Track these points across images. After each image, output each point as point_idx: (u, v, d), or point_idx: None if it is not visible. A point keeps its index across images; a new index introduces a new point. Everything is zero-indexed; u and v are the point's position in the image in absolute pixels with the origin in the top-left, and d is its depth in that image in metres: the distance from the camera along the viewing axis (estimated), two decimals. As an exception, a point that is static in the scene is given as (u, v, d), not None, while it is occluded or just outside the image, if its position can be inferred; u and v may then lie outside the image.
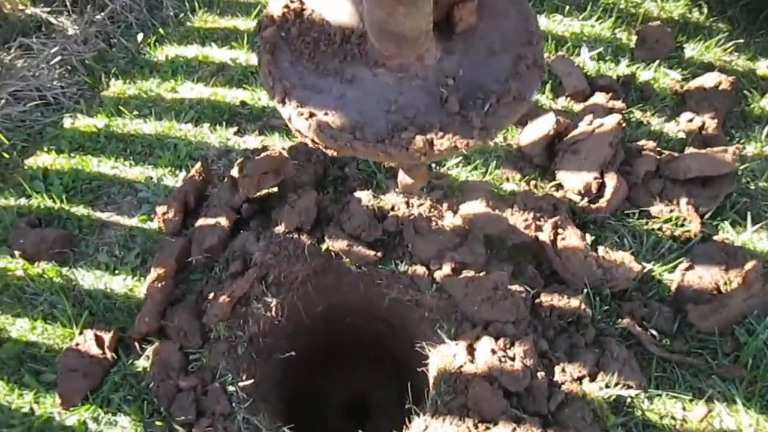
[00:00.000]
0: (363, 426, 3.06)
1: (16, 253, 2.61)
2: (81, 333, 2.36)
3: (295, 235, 2.43)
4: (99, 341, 2.33)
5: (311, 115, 1.30)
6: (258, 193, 2.58)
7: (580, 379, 2.23)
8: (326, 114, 1.30)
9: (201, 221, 2.55)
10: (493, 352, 2.17)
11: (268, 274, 2.39)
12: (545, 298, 2.38)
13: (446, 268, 2.35)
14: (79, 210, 2.78)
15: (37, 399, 2.28)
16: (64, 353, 2.30)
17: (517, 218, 2.51)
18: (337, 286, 2.58)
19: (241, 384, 2.25)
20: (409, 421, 2.29)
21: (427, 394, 2.29)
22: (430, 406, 2.22)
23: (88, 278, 2.56)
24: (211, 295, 2.35)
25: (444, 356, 2.30)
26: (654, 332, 2.35)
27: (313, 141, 1.32)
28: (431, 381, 2.37)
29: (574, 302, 2.35)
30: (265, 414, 2.27)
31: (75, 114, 3.21)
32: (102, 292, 2.50)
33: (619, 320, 2.37)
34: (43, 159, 2.99)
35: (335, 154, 1.32)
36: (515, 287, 2.31)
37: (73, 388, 2.25)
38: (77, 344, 2.32)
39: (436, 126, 1.28)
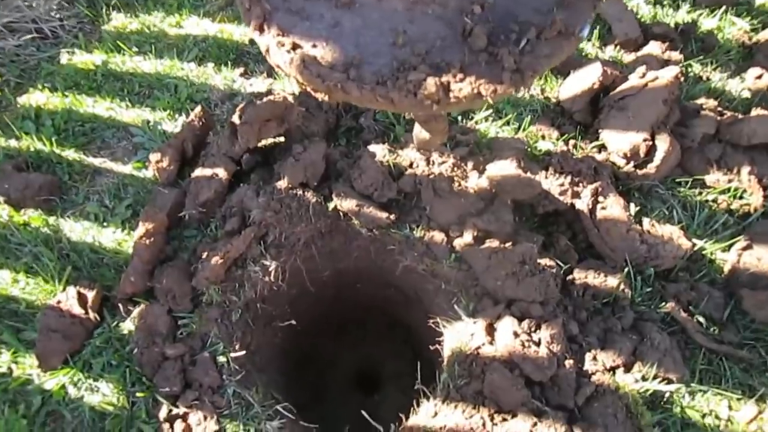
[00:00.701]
0: (372, 398, 2.86)
1: (1, 198, 2.39)
2: (64, 290, 2.15)
3: (300, 192, 2.16)
4: (82, 300, 2.12)
5: (295, 47, 1.01)
6: (261, 143, 2.31)
7: (613, 370, 1.97)
8: (314, 46, 1.01)
9: (198, 171, 2.30)
10: (516, 335, 1.90)
11: (268, 234, 2.15)
12: (579, 275, 2.10)
13: (467, 236, 2.07)
14: (70, 154, 2.55)
15: (16, 359, 2.10)
16: (45, 312, 2.11)
17: (551, 182, 2.20)
18: (344, 250, 2.33)
19: (233, 354, 2.04)
20: (418, 404, 2.05)
21: (439, 374, 2.04)
22: (441, 390, 1.98)
23: (75, 229, 2.34)
24: (205, 255, 2.11)
25: (460, 334, 2.05)
26: (701, 319, 2.06)
27: (298, 81, 1.03)
28: (444, 361, 2.13)
29: (612, 281, 2.06)
30: (259, 388, 2.06)
31: (73, 49, 2.95)
32: (89, 246, 2.29)
33: (662, 304, 2.08)
34: (37, 97, 2.76)
35: (325, 97, 1.02)
36: (545, 261, 2.03)
37: (53, 349, 2.06)
38: (59, 302, 2.12)
39: (455, 66, 0.98)
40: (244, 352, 2.05)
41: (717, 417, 1.95)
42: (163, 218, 2.20)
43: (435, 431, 1.90)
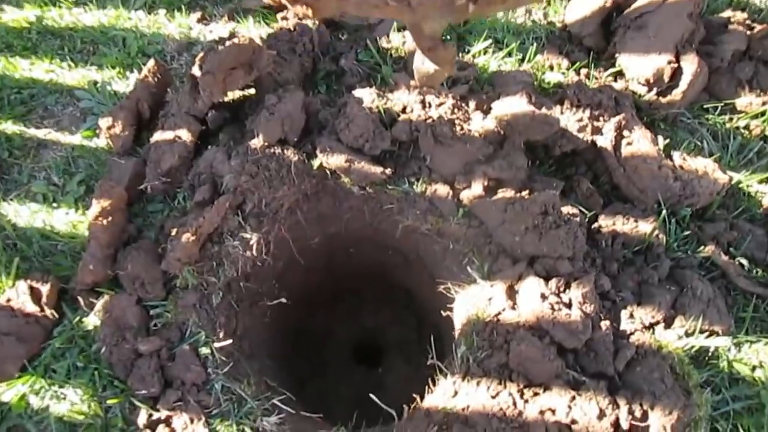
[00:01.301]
0: (375, 370, 2.63)
1: (-70, 185, 2.05)
2: (13, 285, 1.85)
3: (278, 150, 1.86)
4: (35, 295, 1.82)
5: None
6: (228, 97, 1.98)
7: (652, 327, 1.73)
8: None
9: (157, 135, 1.98)
10: (543, 297, 1.65)
11: (245, 202, 1.85)
12: (605, 222, 1.85)
13: (476, 187, 1.80)
14: (9, 127, 2.21)
15: (-34, 369, 1.79)
16: (-8, 312, 1.80)
17: (568, 118, 1.92)
18: (335, 214, 2.06)
19: (217, 344, 1.76)
20: (433, 382, 1.80)
21: (455, 347, 1.79)
22: (459, 365, 1.73)
23: (21, 214, 2.02)
24: (174, 232, 1.81)
25: (475, 300, 1.80)
26: (744, 261, 1.83)
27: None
28: (457, 330, 1.88)
29: (644, 226, 1.81)
30: (252, 378, 1.80)
31: (1, 6, 2.55)
32: (38, 231, 1.97)
33: (701, 248, 1.83)
34: (-37, 64, 2.37)
35: (308, 12, 0.71)
36: (567, 209, 1.76)
37: (7, 355, 1.76)
38: (8, 300, 1.82)
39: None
40: (230, 341, 1.77)
41: (768, 369, 1.73)
42: (121, 193, 1.89)
43: (457, 413, 1.67)
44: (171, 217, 1.93)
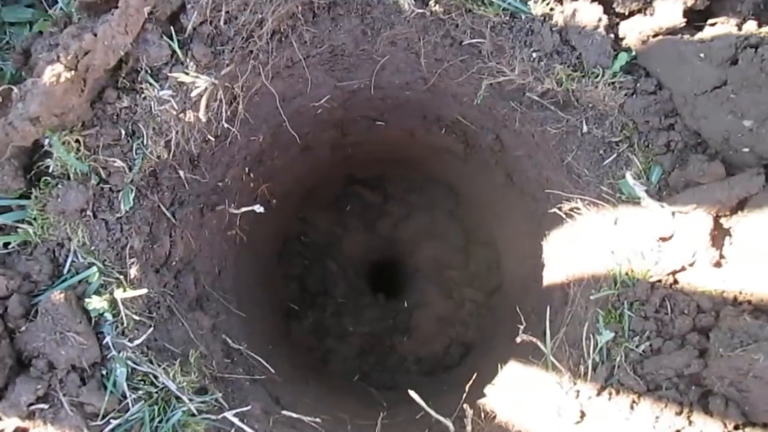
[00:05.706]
0: (398, 301, 1.81)
1: None
2: None
3: None
4: None
5: None
6: None
7: None
8: None
9: None
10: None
11: (185, 10, 0.93)
12: None
13: (666, 12, 0.96)
14: None
15: None
16: None
17: None
18: (361, 51, 1.22)
19: (124, 294, 0.92)
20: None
21: (586, 329, 0.96)
22: (596, 365, 0.91)
23: None
24: (41, 61, 0.90)
25: (628, 236, 1.00)
26: None
27: None
28: (575, 291, 1.05)
29: None
30: (194, 354, 1.01)
31: None
32: None
33: None
34: None
35: None
36: None
37: None
38: None
39: None
40: (144, 290, 0.90)
41: None
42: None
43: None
44: (46, 35, 1.00)
